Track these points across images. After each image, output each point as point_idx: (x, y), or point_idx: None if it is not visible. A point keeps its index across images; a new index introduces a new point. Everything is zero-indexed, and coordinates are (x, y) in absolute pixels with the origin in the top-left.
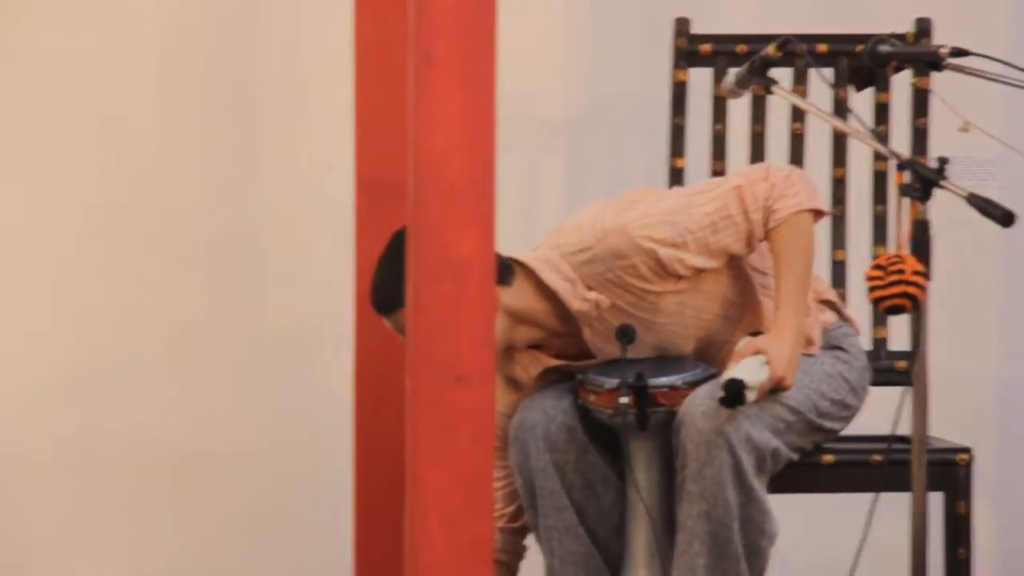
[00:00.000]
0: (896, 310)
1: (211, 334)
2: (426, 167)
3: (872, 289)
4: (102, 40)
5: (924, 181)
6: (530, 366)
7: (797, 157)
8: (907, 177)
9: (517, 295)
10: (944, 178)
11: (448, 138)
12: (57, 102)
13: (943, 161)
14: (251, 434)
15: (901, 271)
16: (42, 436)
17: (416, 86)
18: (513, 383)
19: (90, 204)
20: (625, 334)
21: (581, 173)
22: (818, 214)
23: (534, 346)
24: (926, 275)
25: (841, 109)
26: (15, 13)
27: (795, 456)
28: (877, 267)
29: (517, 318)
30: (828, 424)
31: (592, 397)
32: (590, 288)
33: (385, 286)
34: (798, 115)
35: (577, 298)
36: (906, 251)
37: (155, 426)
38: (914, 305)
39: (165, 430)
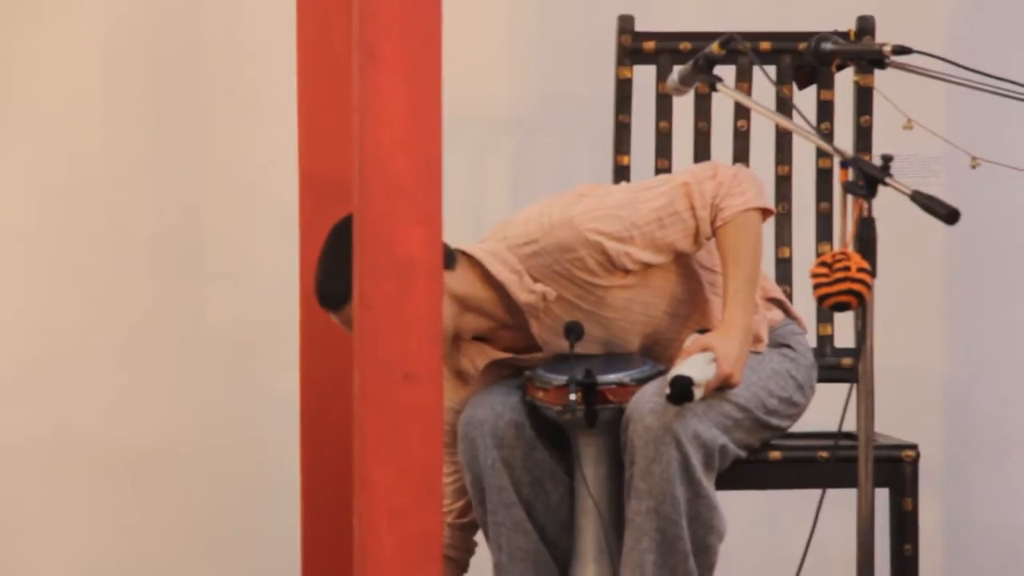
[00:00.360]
0: (841, 307)
1: (155, 333)
2: (372, 165)
3: (817, 287)
4: (46, 38)
5: (868, 179)
6: (477, 358)
7: (741, 154)
8: (851, 175)
9: (461, 281)
10: (889, 175)
11: (394, 136)
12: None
13: (887, 159)
14: (196, 434)
15: (847, 268)
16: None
17: (361, 84)
18: (460, 376)
19: (32, 202)
20: (573, 331)
21: (527, 171)
22: (766, 213)
23: (481, 339)
24: (871, 272)
25: (785, 106)
26: None
27: (743, 453)
28: (822, 264)
29: (463, 304)
30: (775, 421)
31: (540, 394)
32: (537, 280)
33: (330, 281)
34: (742, 113)
35: (524, 290)
36: (851, 248)
37: (100, 426)
38: (859, 302)
39: (110, 430)
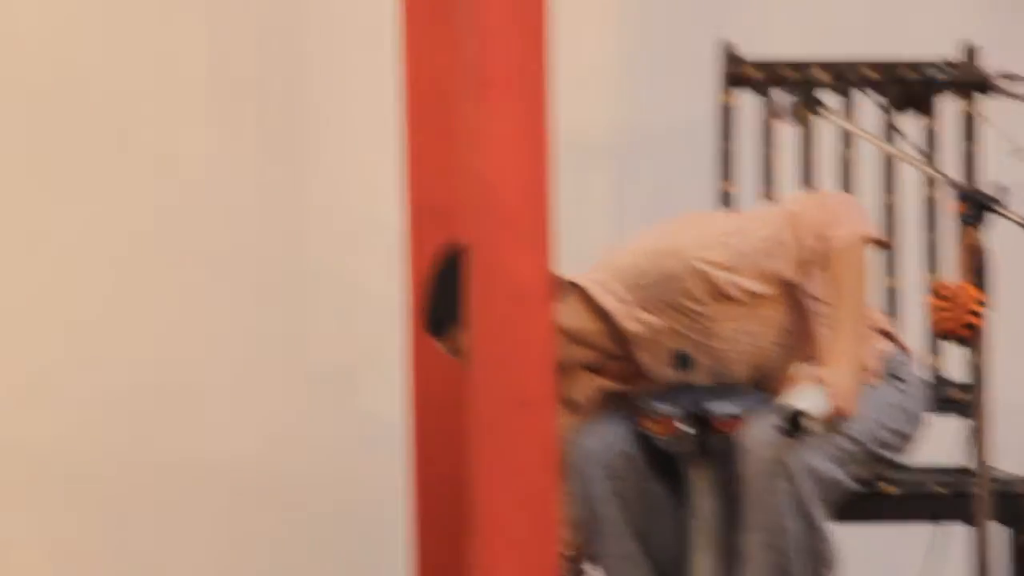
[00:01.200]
0: (958, 339)
1: (261, 358)
2: (483, 192)
3: (935, 319)
4: (153, 63)
5: (980, 208)
6: (586, 388)
7: (847, 183)
8: (964, 204)
9: (570, 313)
10: (1002, 205)
11: (505, 162)
12: (109, 124)
13: (1000, 188)
14: (300, 459)
15: (963, 300)
16: (103, 455)
17: (472, 111)
18: (569, 406)
19: (138, 228)
20: (682, 361)
21: (629, 198)
22: (873, 242)
23: (589, 368)
24: (986, 304)
25: (891, 134)
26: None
27: (856, 486)
28: (939, 296)
29: (571, 337)
30: (887, 454)
31: (651, 424)
32: (645, 310)
33: (436, 308)
34: (848, 140)
35: (631, 320)
36: (965, 279)
37: (207, 450)
38: (975, 334)
39: (218, 455)
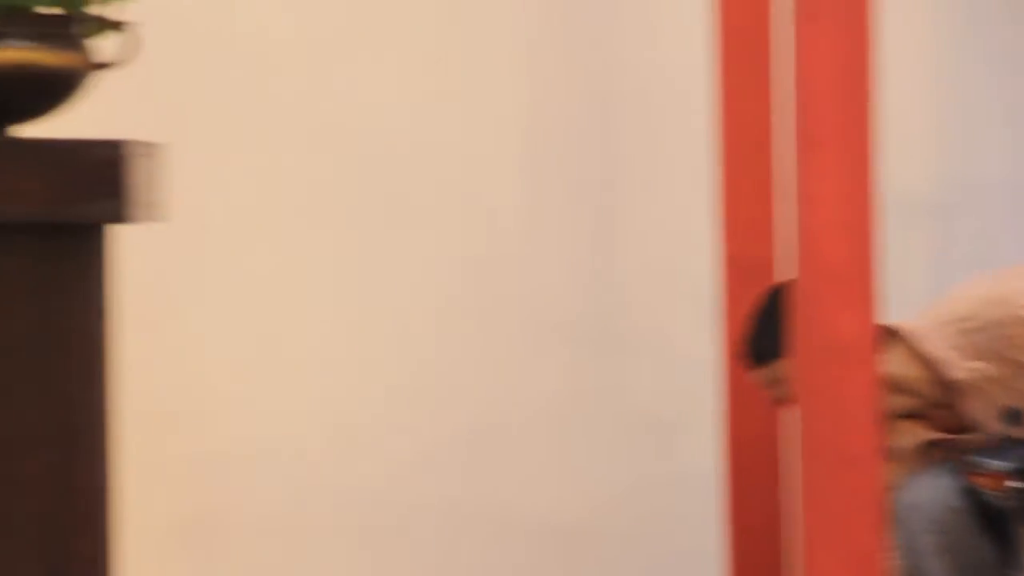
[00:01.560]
0: None
1: (572, 407)
2: (808, 249)
3: None
4: (463, 110)
5: None
6: (908, 437)
7: None
8: None
9: (895, 361)
10: None
11: (832, 219)
12: (422, 179)
13: None
14: (614, 510)
15: None
16: (404, 505)
17: (797, 169)
18: (894, 455)
19: (448, 278)
20: (1012, 416)
21: (950, 256)
22: None
23: (914, 416)
24: None
25: None
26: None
27: None
28: None
29: (896, 385)
30: None
31: (979, 478)
32: (972, 359)
33: (761, 336)
34: None
35: (958, 368)
36: None
37: (516, 499)
38: None
39: (526, 504)
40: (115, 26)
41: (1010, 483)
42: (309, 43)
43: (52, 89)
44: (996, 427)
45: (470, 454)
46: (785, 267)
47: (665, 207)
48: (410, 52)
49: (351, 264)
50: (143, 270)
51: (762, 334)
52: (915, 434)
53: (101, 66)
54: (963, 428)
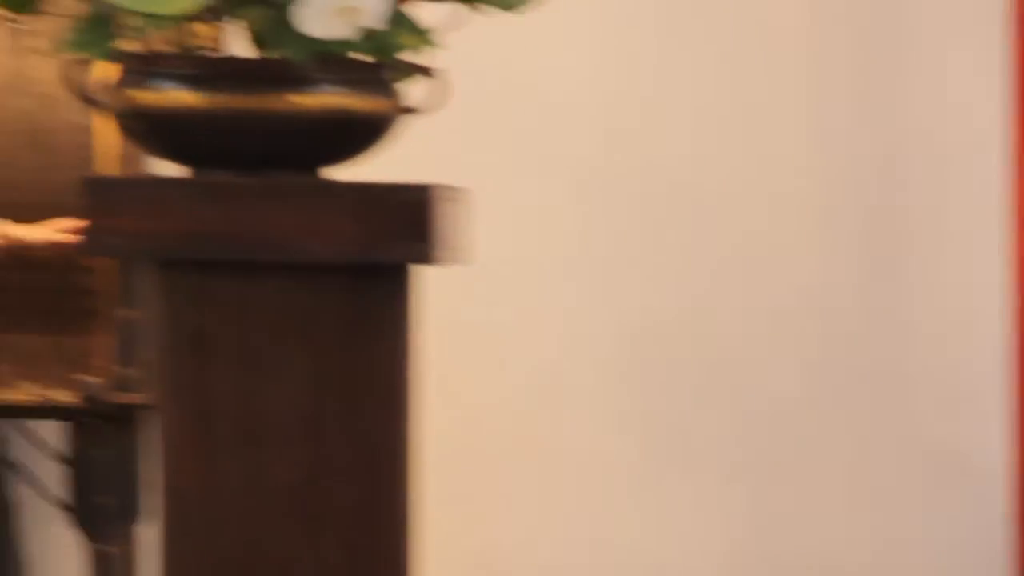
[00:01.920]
0: None
1: (873, 452)
2: None
3: None
4: (745, 157)
5: None
6: None
7: None
8: None
9: None
10: None
11: None
12: (714, 225)
13: None
14: (905, 547)
15: None
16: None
17: None
18: None
19: (729, 328)
20: None
21: None
22: None
23: None
24: None
25: None
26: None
27: None
28: None
29: None
30: None
31: None
32: None
33: None
34: None
35: None
36: None
37: (813, 546)
38: None
39: (819, 550)
40: (425, 72)
41: None
42: (605, 91)
43: (363, 133)
44: None
45: (747, 496)
46: None
47: (953, 265)
48: (701, 101)
49: (641, 305)
50: (445, 310)
51: None
52: None
53: (410, 111)
54: None
